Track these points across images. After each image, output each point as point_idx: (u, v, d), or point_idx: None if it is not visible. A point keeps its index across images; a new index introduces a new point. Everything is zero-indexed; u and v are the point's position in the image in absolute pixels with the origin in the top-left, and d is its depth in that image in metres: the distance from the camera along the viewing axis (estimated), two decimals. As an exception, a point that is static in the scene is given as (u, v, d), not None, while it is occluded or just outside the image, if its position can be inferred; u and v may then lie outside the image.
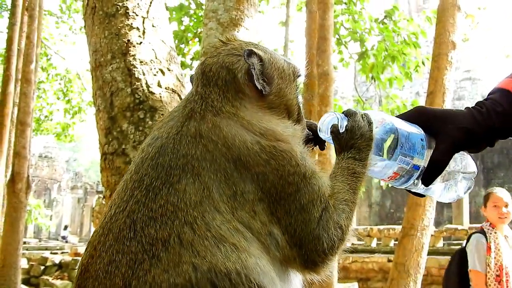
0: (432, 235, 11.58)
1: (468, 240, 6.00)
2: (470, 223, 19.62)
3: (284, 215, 1.53)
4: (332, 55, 9.26)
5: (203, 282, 1.34)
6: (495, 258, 5.70)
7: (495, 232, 5.82)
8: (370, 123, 1.66)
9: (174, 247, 1.38)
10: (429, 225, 7.90)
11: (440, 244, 16.85)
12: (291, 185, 1.55)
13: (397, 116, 1.69)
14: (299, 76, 1.91)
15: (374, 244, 18.05)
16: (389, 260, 14.79)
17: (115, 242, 1.43)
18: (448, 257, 15.63)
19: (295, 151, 1.60)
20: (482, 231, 5.94)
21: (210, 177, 1.49)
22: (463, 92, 32.71)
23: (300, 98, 1.92)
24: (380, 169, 1.66)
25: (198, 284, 1.34)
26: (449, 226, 17.70)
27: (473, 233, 6.07)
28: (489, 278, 5.67)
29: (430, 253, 10.20)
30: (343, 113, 1.71)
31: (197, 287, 1.34)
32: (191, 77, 1.87)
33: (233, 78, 1.70)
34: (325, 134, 1.70)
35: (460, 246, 6.45)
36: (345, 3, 13.37)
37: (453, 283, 6.11)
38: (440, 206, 20.94)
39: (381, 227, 18.74)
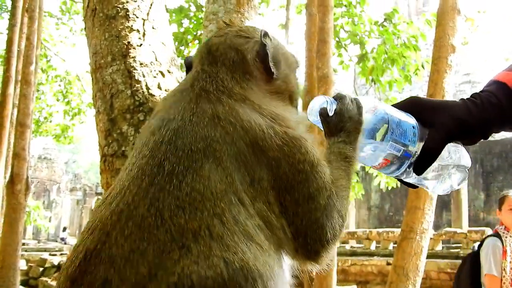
0: (431, 238, 11.58)
1: (481, 244, 5.91)
2: (469, 226, 19.62)
3: (292, 205, 1.52)
4: (332, 58, 9.26)
5: (235, 278, 1.30)
6: (511, 262, 5.64)
7: (511, 236, 5.76)
8: (359, 107, 1.66)
9: (204, 239, 1.34)
10: (428, 228, 7.90)
11: (439, 247, 16.85)
12: (301, 173, 1.54)
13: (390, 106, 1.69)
14: (298, 66, 1.93)
15: (373, 247, 18.06)
16: (388, 263, 14.80)
17: (138, 230, 1.35)
18: (448, 261, 15.62)
19: (304, 138, 1.59)
20: (497, 235, 5.87)
21: (232, 162, 1.46)
22: (463, 95, 32.59)
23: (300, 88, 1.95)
24: (370, 155, 1.65)
25: (230, 279, 1.30)
26: (448, 229, 17.69)
27: (487, 236, 5.99)
28: (504, 283, 5.60)
29: (429, 256, 10.21)
30: (333, 97, 1.71)
31: (228, 282, 1.30)
32: (186, 60, 1.86)
33: (241, 59, 1.70)
34: (314, 117, 1.70)
35: (471, 250, 6.36)
36: (345, 6, 13.38)
37: (464, 287, 6.03)
38: (439, 209, 20.93)
39: (380, 230, 18.76)
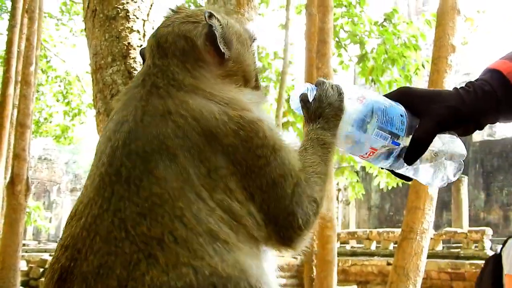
0: (431, 238, 11.57)
1: (504, 245, 5.89)
2: (470, 226, 19.62)
3: (257, 191, 1.49)
4: (331, 58, 9.27)
5: (205, 286, 1.30)
6: None
7: None
8: (340, 93, 1.62)
9: (170, 246, 1.33)
10: (428, 228, 7.90)
11: (439, 247, 16.85)
12: (261, 158, 1.50)
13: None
14: (255, 40, 1.86)
15: (373, 247, 18.06)
16: (389, 263, 14.80)
17: (105, 245, 1.35)
18: (448, 260, 15.64)
19: (262, 121, 1.55)
20: None
21: (185, 155, 1.44)
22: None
23: (258, 64, 1.88)
24: (356, 144, 1.60)
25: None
26: (448, 229, 17.69)
27: (510, 237, 5.97)
28: None
29: (429, 256, 10.21)
30: (314, 84, 1.68)
31: None
32: (141, 51, 1.82)
33: (191, 46, 1.65)
34: (296, 105, 1.67)
35: (494, 252, 6.31)
36: (345, 6, 13.38)
37: None
38: (440, 209, 20.94)
39: (381, 230, 18.76)
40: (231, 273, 1.34)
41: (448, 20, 8.10)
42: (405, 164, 1.60)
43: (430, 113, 1.54)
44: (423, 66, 12.44)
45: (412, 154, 1.56)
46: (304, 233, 1.54)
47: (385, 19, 13.09)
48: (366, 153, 1.60)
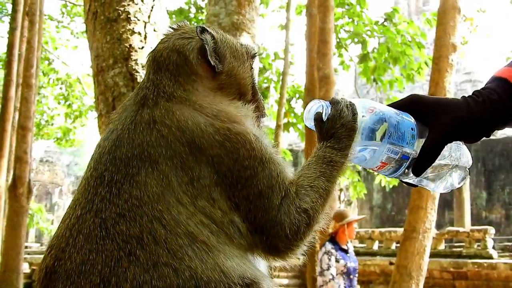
0: (433, 237, 11.57)
1: None
2: (472, 225, 19.59)
3: (243, 201, 1.51)
4: (332, 58, 9.27)
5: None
6: None
7: None
8: (354, 113, 1.61)
9: (149, 245, 1.38)
10: (431, 228, 7.90)
11: (442, 246, 16.84)
12: (247, 170, 1.52)
13: (390, 104, 1.66)
14: (254, 55, 1.89)
15: (375, 246, 18.04)
16: (391, 263, 14.78)
17: (87, 243, 1.40)
18: (450, 259, 15.63)
19: (250, 134, 1.57)
20: None
21: (167, 163, 1.47)
22: (464, 94, 32.55)
23: (256, 79, 1.90)
24: (368, 158, 1.61)
25: None
26: (450, 228, 17.68)
27: None
28: None
29: (432, 255, 10.20)
30: (329, 101, 1.67)
31: None
32: (146, 66, 1.86)
33: (184, 61, 1.68)
34: (310, 122, 1.67)
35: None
36: (348, 4, 13.36)
37: None
38: (442, 208, 20.93)
39: (383, 229, 18.74)
40: (211, 276, 1.37)
41: (449, 20, 8.10)
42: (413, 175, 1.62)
43: (438, 125, 1.56)
44: (426, 64, 12.41)
45: (420, 166, 1.58)
46: (293, 244, 1.55)
47: (385, 19, 13.08)
48: (376, 167, 1.62)
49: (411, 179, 1.67)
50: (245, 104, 1.76)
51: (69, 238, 1.44)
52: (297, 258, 1.61)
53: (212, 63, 1.69)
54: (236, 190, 1.51)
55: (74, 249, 1.41)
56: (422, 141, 1.59)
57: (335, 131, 1.62)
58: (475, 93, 1.61)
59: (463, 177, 1.71)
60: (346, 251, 6.76)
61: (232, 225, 1.49)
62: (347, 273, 6.64)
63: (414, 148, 1.59)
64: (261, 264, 1.60)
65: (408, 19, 13.81)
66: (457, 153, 1.66)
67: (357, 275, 6.84)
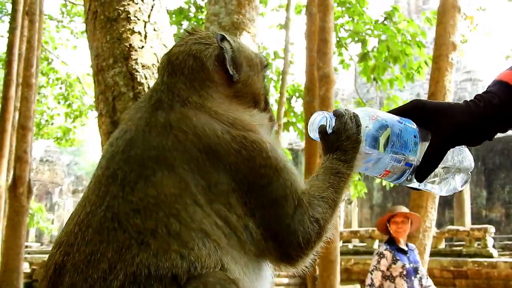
0: (434, 236, 11.58)
1: None
2: (472, 224, 19.59)
3: (258, 208, 1.53)
4: (332, 57, 9.27)
5: (188, 270, 1.37)
6: None
7: None
8: (358, 125, 1.63)
9: (163, 236, 1.40)
10: (431, 227, 7.92)
11: (442, 245, 16.85)
12: (263, 178, 1.55)
13: (393, 110, 1.67)
14: (266, 66, 1.91)
15: (376, 245, 18.03)
16: (391, 262, 14.77)
17: (97, 235, 1.42)
18: (451, 258, 15.61)
19: (265, 142, 1.59)
20: None
21: (184, 167, 1.48)
22: (464, 93, 32.69)
23: (267, 89, 1.92)
24: (372, 167, 1.64)
25: (184, 271, 1.37)
26: (451, 227, 17.69)
27: None
28: None
29: (432, 254, 10.22)
30: (333, 113, 1.69)
31: (179, 274, 1.37)
32: (159, 68, 1.86)
33: (201, 66, 1.69)
34: (314, 133, 1.68)
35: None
36: (349, 3, 13.35)
37: None
38: (442, 207, 20.94)
39: (383, 228, 18.70)
40: (211, 266, 1.41)
41: (449, 18, 8.10)
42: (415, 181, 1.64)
43: (440, 130, 1.57)
44: (426, 63, 12.42)
45: (423, 172, 1.60)
46: (304, 252, 1.58)
47: (385, 18, 13.08)
48: (379, 174, 1.64)
49: (414, 184, 1.68)
50: (259, 112, 1.78)
51: (78, 233, 1.45)
52: (305, 267, 1.63)
53: (230, 72, 1.70)
54: (252, 197, 1.54)
55: (83, 242, 1.43)
56: (425, 145, 1.60)
57: (340, 144, 1.64)
58: (477, 97, 1.62)
59: (466, 180, 1.73)
60: (404, 251, 6.36)
61: (245, 230, 1.52)
62: (407, 275, 6.23)
63: (417, 155, 1.60)
64: (267, 273, 1.63)
65: (408, 18, 13.81)
66: (459, 156, 1.69)
67: (421, 276, 6.32)
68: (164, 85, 1.68)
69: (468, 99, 1.64)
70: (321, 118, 1.67)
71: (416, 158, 1.61)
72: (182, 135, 1.52)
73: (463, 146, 1.68)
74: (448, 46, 8.00)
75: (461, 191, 19.43)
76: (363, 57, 12.77)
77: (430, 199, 7.80)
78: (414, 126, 1.62)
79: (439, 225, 18.78)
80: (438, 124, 1.58)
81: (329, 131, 1.65)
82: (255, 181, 1.54)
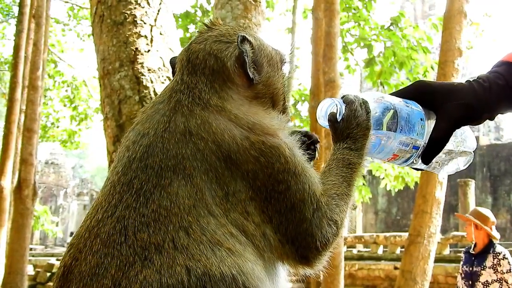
0: (438, 242, 11.53)
1: None
2: (477, 230, 19.48)
3: (275, 214, 1.51)
4: (338, 62, 9.27)
5: (196, 285, 1.32)
6: None
7: None
8: (368, 112, 1.62)
9: (168, 251, 1.36)
10: (435, 232, 7.89)
11: (446, 251, 16.78)
12: (281, 184, 1.52)
13: (396, 92, 1.67)
14: (285, 63, 1.86)
15: (380, 251, 17.99)
16: (396, 268, 14.74)
17: (104, 247, 1.39)
18: (455, 265, 15.58)
19: (284, 146, 1.56)
20: None
21: (202, 178, 1.46)
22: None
23: (287, 87, 1.88)
24: (379, 151, 1.64)
25: (190, 286, 1.31)
26: (455, 233, 17.61)
27: None
28: None
29: (436, 260, 10.17)
30: (342, 99, 1.67)
31: None
32: (171, 61, 1.82)
33: (222, 67, 1.64)
34: (324, 121, 1.67)
35: None
36: (354, 9, 13.36)
37: None
38: (447, 213, 20.85)
39: (388, 234, 18.67)
40: (227, 272, 1.35)
41: (455, 24, 8.09)
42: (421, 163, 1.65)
43: (446, 113, 1.58)
44: (432, 68, 12.40)
45: (429, 155, 1.61)
46: (322, 254, 1.57)
47: (391, 23, 13.08)
48: (387, 158, 1.65)
49: (419, 165, 1.69)
50: (278, 113, 1.74)
51: (87, 240, 1.43)
52: (323, 266, 1.62)
53: (251, 75, 1.65)
54: (270, 204, 1.51)
55: (90, 251, 1.40)
56: (431, 125, 1.61)
57: (350, 132, 1.63)
58: (482, 77, 1.62)
59: (469, 160, 1.75)
60: (471, 254, 6.36)
61: (264, 237, 1.50)
62: (465, 278, 6.34)
63: (424, 137, 1.61)
64: (283, 277, 1.61)
65: (414, 24, 13.81)
66: (462, 136, 1.71)
67: (479, 281, 6.20)
68: (184, 85, 1.63)
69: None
70: (330, 104, 1.66)
71: (423, 140, 1.61)
72: (201, 143, 1.49)
73: (466, 126, 1.69)
74: (454, 52, 7.98)
75: (466, 197, 19.33)
76: (369, 62, 12.76)
77: (435, 204, 7.77)
78: (420, 108, 1.62)
79: (444, 231, 18.73)
80: (444, 106, 1.58)
81: (339, 118, 1.64)
82: (273, 187, 1.51)
